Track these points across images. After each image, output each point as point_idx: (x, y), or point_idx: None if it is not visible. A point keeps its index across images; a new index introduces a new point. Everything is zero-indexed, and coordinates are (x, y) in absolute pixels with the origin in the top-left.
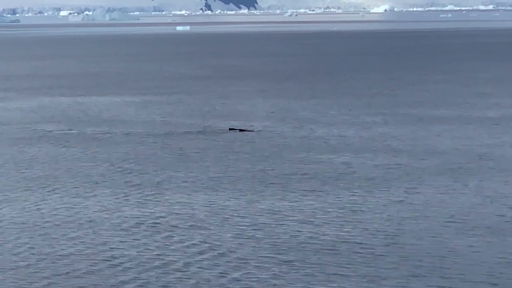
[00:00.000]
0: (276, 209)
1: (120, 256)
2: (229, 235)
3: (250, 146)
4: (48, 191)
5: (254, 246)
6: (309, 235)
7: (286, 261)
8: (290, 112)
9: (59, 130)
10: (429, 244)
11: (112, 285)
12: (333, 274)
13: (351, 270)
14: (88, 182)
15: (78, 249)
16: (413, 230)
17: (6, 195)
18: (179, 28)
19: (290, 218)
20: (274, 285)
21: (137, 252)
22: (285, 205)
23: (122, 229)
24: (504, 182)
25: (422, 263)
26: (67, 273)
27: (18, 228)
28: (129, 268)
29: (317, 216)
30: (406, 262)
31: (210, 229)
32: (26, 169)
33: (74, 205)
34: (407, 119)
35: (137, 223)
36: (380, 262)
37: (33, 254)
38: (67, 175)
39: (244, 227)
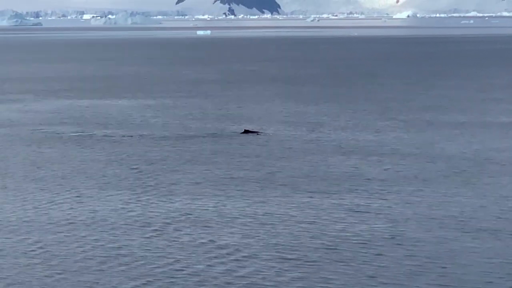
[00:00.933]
0: (282, 210)
1: (129, 254)
2: (235, 233)
3: (262, 148)
4: (62, 191)
5: (259, 244)
6: (312, 234)
7: (289, 259)
8: (304, 115)
9: (74, 132)
10: (431, 245)
11: (120, 281)
12: (334, 271)
13: (353, 269)
14: (102, 183)
15: (89, 247)
16: (415, 230)
17: (18, 194)
18: (199, 32)
19: (296, 218)
20: (277, 281)
21: (145, 249)
22: (291, 206)
23: (132, 228)
24: (509, 185)
25: (423, 263)
26: (77, 270)
27: (31, 226)
28: (138, 266)
29: (322, 217)
30: (407, 262)
31: (217, 228)
32: (40, 169)
33: (88, 204)
34: (418, 124)
35: (147, 222)
36: (381, 262)
37: (44, 251)
38: (82, 176)
39: (250, 226)
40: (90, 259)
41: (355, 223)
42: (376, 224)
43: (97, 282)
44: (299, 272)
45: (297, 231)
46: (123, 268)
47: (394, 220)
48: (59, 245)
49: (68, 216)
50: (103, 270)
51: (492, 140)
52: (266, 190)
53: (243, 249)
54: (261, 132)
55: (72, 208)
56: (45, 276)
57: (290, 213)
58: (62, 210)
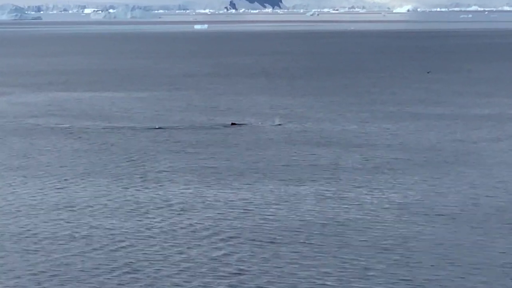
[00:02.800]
0: (258, 196)
1: (112, 238)
2: (211, 218)
3: (247, 139)
4: (48, 179)
5: (232, 227)
6: (284, 219)
7: (261, 241)
8: (291, 108)
9: (62, 124)
10: (393, 229)
11: (102, 262)
12: (300, 252)
13: (319, 250)
14: (88, 171)
15: (72, 231)
16: (382, 217)
17: (5, 182)
18: (197, 26)
19: (270, 204)
20: (250, 262)
21: (127, 232)
22: (267, 192)
23: (116, 214)
24: (474, 174)
25: (384, 246)
26: (62, 255)
27: (19, 211)
28: (119, 247)
29: (295, 203)
30: (369, 247)
31: (196, 213)
32: (26, 158)
33: (72, 190)
34: (398, 116)
35: (129, 207)
36: (346, 244)
37: (32, 234)
38: (68, 164)
39: (224, 211)
40: (73, 241)
41: (325, 208)
42: (345, 209)
43: (80, 262)
44: (269, 253)
45: (270, 215)
46: (104, 249)
47: (362, 206)
48: (44, 227)
49: (53, 201)
50: (86, 252)
51: (465, 132)
52: (245, 178)
53: (219, 232)
54: (246, 124)
55: (58, 194)
56: (31, 257)
57: (265, 199)
58: (47, 196)
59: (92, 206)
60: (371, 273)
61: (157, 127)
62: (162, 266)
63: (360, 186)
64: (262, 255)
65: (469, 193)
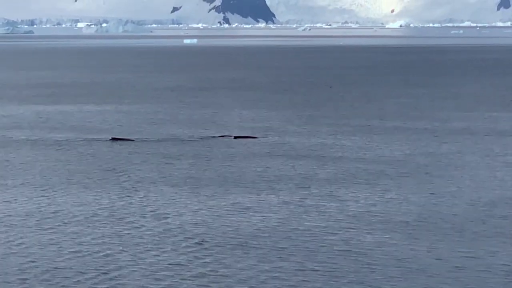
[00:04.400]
0: (224, 205)
1: (86, 244)
2: (178, 225)
3: (224, 152)
4: (29, 190)
5: (200, 233)
6: (248, 227)
7: (225, 246)
8: (270, 121)
9: (41, 136)
10: (353, 237)
11: (79, 270)
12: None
13: (272, 256)
14: (68, 182)
15: (48, 238)
16: (342, 225)
17: None
18: (186, 41)
19: (232, 213)
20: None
21: (103, 240)
22: (233, 202)
23: (94, 220)
24: (436, 185)
25: (339, 251)
26: (41, 259)
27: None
28: (99, 256)
29: (257, 212)
30: (325, 253)
31: (171, 219)
32: (5, 170)
33: (53, 200)
34: (377, 130)
35: (106, 216)
36: (304, 252)
37: (12, 242)
38: (50, 176)
39: (193, 218)
40: (46, 247)
41: (291, 216)
42: (308, 217)
43: (60, 269)
44: (232, 258)
45: (235, 222)
46: (84, 256)
47: (325, 214)
48: (25, 236)
49: (35, 210)
50: (67, 259)
51: (437, 145)
52: (215, 189)
53: (186, 238)
54: (229, 136)
55: (38, 204)
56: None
57: (233, 207)
58: (27, 206)
59: (70, 214)
60: (327, 276)
61: (133, 139)
62: (131, 270)
63: (326, 196)
64: (225, 259)
65: (427, 203)
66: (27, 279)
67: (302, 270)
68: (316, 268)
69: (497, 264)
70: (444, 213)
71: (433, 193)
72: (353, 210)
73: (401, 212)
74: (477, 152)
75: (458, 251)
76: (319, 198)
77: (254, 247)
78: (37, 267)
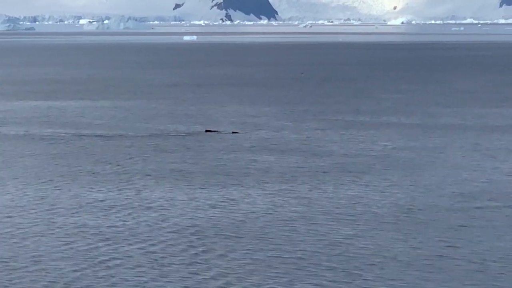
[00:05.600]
0: (202, 196)
1: (75, 235)
2: (151, 216)
3: (212, 145)
4: (24, 181)
5: (174, 224)
6: (208, 219)
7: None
8: (258, 117)
9: (39, 131)
10: (319, 228)
11: (57, 257)
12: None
13: (241, 247)
14: (53, 175)
15: (34, 230)
16: (309, 216)
17: None
18: (185, 38)
19: (194, 205)
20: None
21: (84, 226)
22: (211, 193)
23: (75, 211)
24: (405, 179)
25: (299, 241)
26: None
27: None
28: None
29: (221, 204)
30: (289, 244)
31: (161, 210)
32: None
33: (37, 192)
34: (365, 125)
35: (92, 206)
36: (253, 247)
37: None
38: (47, 170)
39: (166, 211)
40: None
41: (261, 209)
42: (277, 210)
43: (49, 260)
44: (200, 248)
45: (208, 214)
46: (63, 246)
47: (305, 207)
48: (8, 227)
49: (18, 201)
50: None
51: (421, 140)
52: (195, 181)
53: (159, 228)
54: (221, 132)
55: (34, 195)
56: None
57: (209, 200)
58: (13, 197)
59: (54, 204)
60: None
61: (131, 134)
62: (119, 261)
63: (310, 188)
64: (193, 249)
65: (407, 195)
66: (17, 268)
67: (281, 258)
68: (292, 256)
69: (474, 253)
70: (424, 205)
71: (414, 185)
72: (336, 202)
73: (381, 204)
74: (464, 146)
75: (435, 241)
76: (302, 190)
77: (238, 236)
78: (26, 259)
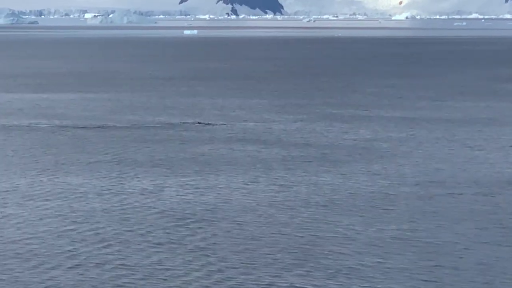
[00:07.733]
0: (176, 184)
1: (73, 222)
2: (126, 203)
3: (200, 137)
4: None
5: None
6: (180, 206)
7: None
8: (248, 109)
9: (30, 123)
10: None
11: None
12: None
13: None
14: (36, 165)
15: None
16: (273, 205)
17: None
18: (186, 32)
19: (179, 191)
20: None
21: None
22: (182, 181)
23: (73, 200)
24: (375, 169)
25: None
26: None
27: None
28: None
29: (195, 193)
30: (258, 231)
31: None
32: None
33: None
34: (349, 118)
35: (78, 193)
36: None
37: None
38: (34, 160)
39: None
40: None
41: (230, 196)
42: (243, 198)
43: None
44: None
45: (176, 201)
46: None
47: (276, 196)
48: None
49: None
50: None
51: (399, 132)
52: (170, 171)
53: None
54: (212, 124)
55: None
56: None
57: (182, 187)
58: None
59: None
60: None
61: (119, 125)
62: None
63: (285, 177)
64: (167, 235)
65: (370, 184)
66: (20, 253)
67: (251, 239)
68: (262, 242)
69: (433, 237)
70: (395, 192)
71: (388, 174)
72: (312, 189)
73: (354, 191)
74: (442, 137)
75: (397, 225)
76: (283, 178)
77: (217, 220)
78: (25, 246)
